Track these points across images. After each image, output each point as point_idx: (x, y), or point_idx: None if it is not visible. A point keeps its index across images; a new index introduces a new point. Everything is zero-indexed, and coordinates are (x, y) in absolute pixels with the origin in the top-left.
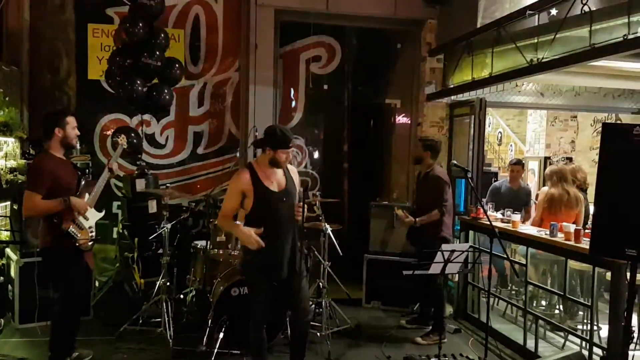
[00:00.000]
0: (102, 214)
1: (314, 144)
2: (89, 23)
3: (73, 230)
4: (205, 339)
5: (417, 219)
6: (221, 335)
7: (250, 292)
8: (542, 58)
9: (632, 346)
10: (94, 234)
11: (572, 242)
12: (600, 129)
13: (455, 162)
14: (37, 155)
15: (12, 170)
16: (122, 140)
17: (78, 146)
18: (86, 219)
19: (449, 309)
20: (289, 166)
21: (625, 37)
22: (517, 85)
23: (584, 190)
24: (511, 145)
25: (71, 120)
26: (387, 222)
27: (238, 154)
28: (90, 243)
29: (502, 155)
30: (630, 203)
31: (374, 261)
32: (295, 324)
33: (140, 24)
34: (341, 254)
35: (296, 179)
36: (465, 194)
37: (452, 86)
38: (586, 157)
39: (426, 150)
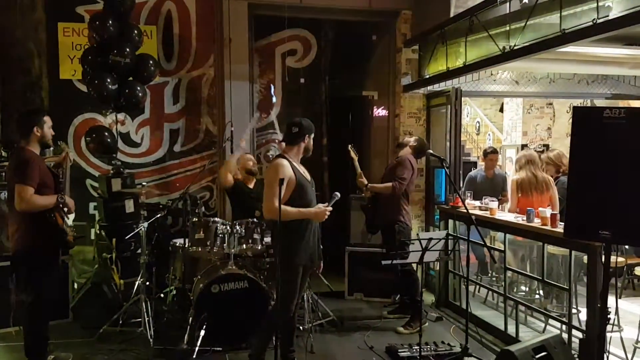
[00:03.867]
0: (73, 213)
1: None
2: (59, 22)
3: (65, 227)
4: (186, 337)
5: (368, 184)
6: (202, 332)
7: (287, 277)
8: (514, 45)
9: (609, 328)
10: (75, 232)
11: (548, 227)
12: None
13: (431, 151)
14: (15, 152)
15: None
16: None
17: (52, 146)
18: (67, 217)
19: (430, 298)
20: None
21: (595, 22)
22: (492, 74)
23: None
24: (489, 134)
25: (47, 120)
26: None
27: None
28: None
29: (481, 144)
30: (603, 185)
31: (355, 253)
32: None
33: (111, 21)
34: (322, 247)
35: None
36: (445, 184)
37: (427, 76)
38: (563, 143)
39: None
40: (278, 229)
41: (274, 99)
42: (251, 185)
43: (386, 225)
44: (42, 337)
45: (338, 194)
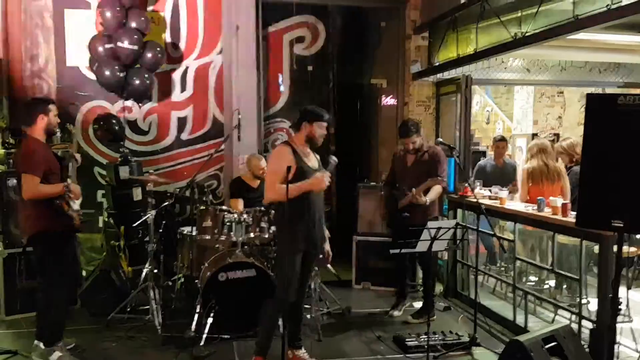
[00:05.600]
0: (80, 199)
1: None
2: (66, 9)
3: (71, 212)
4: (194, 325)
5: (427, 198)
6: (210, 320)
7: (284, 261)
8: (526, 32)
9: (620, 318)
10: (82, 217)
11: (559, 216)
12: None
13: (441, 139)
14: (22, 140)
15: None
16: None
17: (59, 133)
18: (74, 203)
19: (438, 288)
20: (315, 154)
21: (609, 7)
22: (502, 62)
23: None
24: (499, 123)
25: (53, 108)
26: (375, 203)
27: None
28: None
29: (490, 134)
30: (616, 173)
31: (362, 242)
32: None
33: (118, 8)
34: (330, 236)
35: (321, 164)
36: (454, 173)
37: (437, 64)
38: (574, 132)
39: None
40: (279, 215)
41: (282, 88)
42: (255, 185)
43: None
44: (56, 322)
45: (335, 158)
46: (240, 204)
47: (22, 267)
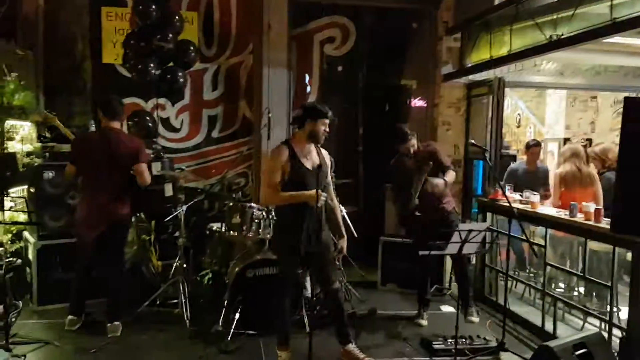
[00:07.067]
0: None
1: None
2: (102, 6)
3: None
4: (221, 320)
5: (438, 180)
6: (237, 316)
7: (280, 266)
8: (562, 35)
9: None
10: None
11: (592, 222)
12: (620, 109)
13: (472, 141)
14: (121, 133)
15: (28, 154)
16: None
17: (94, 127)
18: None
19: None
20: (322, 150)
21: None
22: (536, 65)
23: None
24: (530, 127)
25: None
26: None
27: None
28: None
29: (521, 137)
30: None
31: (389, 244)
32: (325, 295)
33: (154, 6)
34: (356, 236)
35: (328, 162)
36: (483, 176)
37: (469, 65)
38: (606, 138)
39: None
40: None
41: (308, 89)
42: None
43: (442, 219)
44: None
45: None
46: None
47: (57, 259)
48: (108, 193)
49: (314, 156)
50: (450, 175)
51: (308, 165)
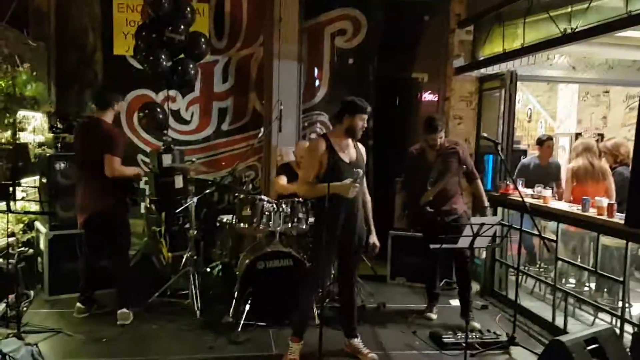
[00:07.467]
0: None
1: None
2: None
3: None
4: (231, 311)
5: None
6: (247, 307)
7: (314, 255)
8: (576, 28)
9: None
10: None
11: (604, 217)
12: (633, 104)
13: (485, 134)
14: (98, 122)
15: (40, 144)
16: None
17: None
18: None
19: (475, 286)
20: (359, 145)
21: None
22: (548, 58)
23: (628, 165)
24: (541, 122)
25: (122, 102)
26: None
27: (262, 131)
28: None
29: (532, 132)
30: None
31: (398, 237)
32: (342, 287)
33: None
34: (365, 229)
35: (364, 156)
36: (494, 171)
37: (482, 58)
38: (618, 133)
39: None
40: (316, 207)
41: (317, 82)
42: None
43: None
44: (129, 287)
45: (360, 171)
46: (282, 179)
47: (71, 248)
48: (89, 182)
49: (351, 150)
50: (481, 189)
51: (345, 158)
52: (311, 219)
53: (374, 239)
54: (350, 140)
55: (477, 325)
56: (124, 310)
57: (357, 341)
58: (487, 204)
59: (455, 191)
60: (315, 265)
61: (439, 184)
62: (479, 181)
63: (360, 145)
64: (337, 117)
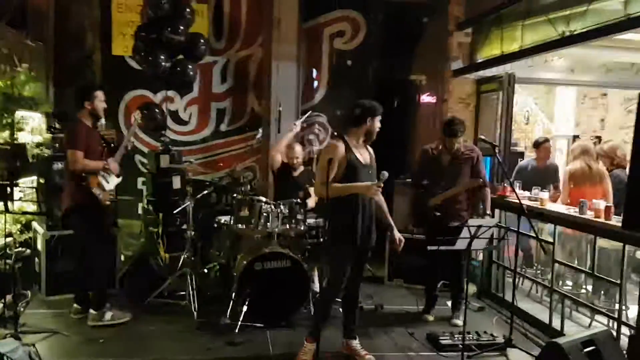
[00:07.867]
0: (120, 179)
1: (337, 122)
2: None
3: (95, 190)
4: (229, 312)
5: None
6: (244, 308)
7: (334, 257)
8: (574, 30)
9: None
10: (112, 195)
11: (602, 220)
12: (630, 107)
13: (483, 136)
14: (71, 122)
15: (38, 145)
16: (137, 116)
17: (104, 121)
18: (107, 182)
19: (472, 288)
20: (368, 148)
21: None
22: (546, 61)
23: (624, 168)
24: (539, 124)
25: (99, 94)
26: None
27: (260, 132)
28: (107, 202)
29: (530, 135)
30: None
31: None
32: (348, 289)
33: None
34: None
35: (374, 159)
36: (491, 173)
37: (480, 60)
38: (616, 136)
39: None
40: (333, 209)
41: (315, 83)
42: (296, 174)
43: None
44: (100, 288)
45: (386, 173)
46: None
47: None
48: (65, 178)
49: (364, 152)
50: (489, 200)
51: (362, 160)
52: (315, 220)
53: (398, 234)
54: (362, 142)
55: (458, 322)
56: (92, 311)
57: (356, 342)
58: (489, 211)
59: (464, 196)
60: (335, 268)
61: (452, 190)
62: (488, 190)
63: (369, 148)
64: (357, 121)
